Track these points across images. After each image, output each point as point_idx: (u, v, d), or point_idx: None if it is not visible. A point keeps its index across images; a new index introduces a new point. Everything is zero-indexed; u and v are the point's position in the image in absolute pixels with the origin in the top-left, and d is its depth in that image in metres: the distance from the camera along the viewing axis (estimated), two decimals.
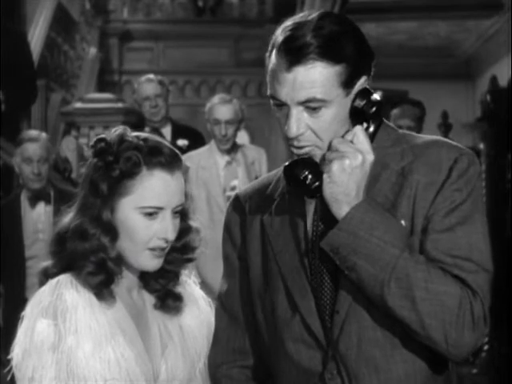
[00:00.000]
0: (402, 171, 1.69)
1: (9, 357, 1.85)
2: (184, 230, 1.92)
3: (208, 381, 1.93)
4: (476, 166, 1.69)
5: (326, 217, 1.68)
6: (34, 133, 4.96)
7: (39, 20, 8.23)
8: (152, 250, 1.86)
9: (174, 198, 1.86)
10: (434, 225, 1.65)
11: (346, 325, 1.67)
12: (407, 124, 4.79)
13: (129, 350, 1.84)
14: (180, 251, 1.93)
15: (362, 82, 1.68)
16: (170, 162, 1.86)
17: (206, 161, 5.04)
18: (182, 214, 1.90)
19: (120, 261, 1.87)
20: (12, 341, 1.85)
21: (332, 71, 1.63)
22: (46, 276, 1.91)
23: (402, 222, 1.65)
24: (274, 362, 1.79)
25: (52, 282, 1.87)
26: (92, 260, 1.85)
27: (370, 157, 1.64)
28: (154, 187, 1.84)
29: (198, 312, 2.00)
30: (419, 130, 4.86)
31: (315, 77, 1.63)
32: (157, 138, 1.92)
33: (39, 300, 1.84)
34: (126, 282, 1.91)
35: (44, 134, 4.90)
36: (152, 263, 1.87)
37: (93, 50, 9.96)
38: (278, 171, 1.84)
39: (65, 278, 1.87)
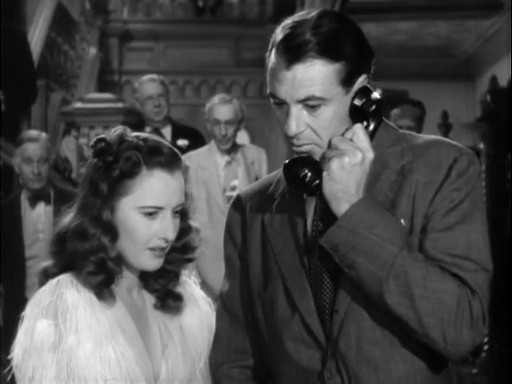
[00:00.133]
0: (401, 170, 1.69)
1: (9, 357, 1.85)
2: (184, 230, 1.92)
3: (208, 381, 1.93)
4: (476, 166, 1.69)
5: (326, 216, 1.68)
6: (33, 133, 4.97)
7: (39, 20, 8.23)
8: (152, 249, 1.86)
9: (174, 197, 1.86)
10: (433, 224, 1.65)
11: (345, 324, 1.67)
12: (407, 124, 4.79)
13: (129, 350, 1.84)
14: (180, 251, 1.93)
15: (361, 81, 1.68)
16: (170, 161, 1.86)
17: (205, 161, 5.04)
18: (182, 213, 1.90)
19: (120, 261, 1.87)
20: (12, 341, 1.85)
21: (331, 69, 1.63)
22: (46, 276, 1.91)
23: (402, 221, 1.65)
24: (273, 362, 1.80)
25: (52, 282, 1.87)
26: (92, 260, 1.85)
27: (370, 155, 1.64)
28: (153, 187, 1.84)
29: (198, 312, 2.00)
30: (419, 129, 4.86)
31: (314, 75, 1.63)
32: (156, 137, 1.92)
33: (39, 300, 1.84)
34: (126, 282, 1.91)
35: (44, 134, 4.90)
36: (152, 263, 1.87)
37: (93, 50, 9.96)
38: (279, 172, 1.84)
39: (65, 278, 1.87)
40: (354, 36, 1.67)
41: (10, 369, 1.84)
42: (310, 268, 1.71)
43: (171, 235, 1.86)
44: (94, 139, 1.90)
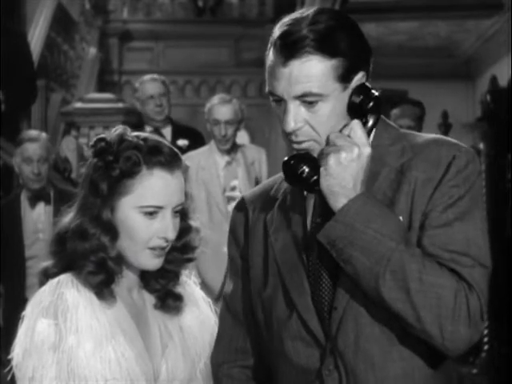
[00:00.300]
0: (400, 168, 1.69)
1: (9, 357, 1.85)
2: (184, 230, 1.92)
3: (208, 381, 1.93)
4: (475, 164, 1.68)
5: (325, 212, 1.68)
6: (33, 133, 4.97)
7: (39, 20, 8.23)
8: (152, 249, 1.86)
9: (174, 197, 1.86)
10: (431, 220, 1.64)
11: (343, 321, 1.66)
12: (407, 124, 4.79)
13: (129, 350, 1.84)
14: (180, 251, 1.93)
15: (359, 77, 1.68)
16: (170, 161, 1.86)
17: (205, 161, 5.04)
18: (182, 213, 1.91)
19: (120, 260, 1.87)
20: (12, 341, 1.85)
21: (328, 65, 1.64)
22: (46, 276, 1.91)
23: (400, 218, 1.65)
24: (273, 362, 1.80)
25: (52, 282, 1.87)
26: (92, 260, 1.85)
27: (367, 150, 1.64)
28: (153, 186, 1.84)
29: (198, 312, 2.00)
30: (419, 129, 4.86)
31: (311, 71, 1.63)
32: (156, 137, 1.92)
33: (40, 300, 1.84)
34: (127, 282, 1.91)
35: (44, 134, 4.90)
36: (152, 262, 1.87)
37: (93, 50, 9.96)
38: None
39: (65, 278, 1.87)
40: (352, 33, 1.67)
41: (10, 368, 1.85)
42: (309, 265, 1.71)
43: (171, 235, 1.86)
44: (94, 139, 1.90)
